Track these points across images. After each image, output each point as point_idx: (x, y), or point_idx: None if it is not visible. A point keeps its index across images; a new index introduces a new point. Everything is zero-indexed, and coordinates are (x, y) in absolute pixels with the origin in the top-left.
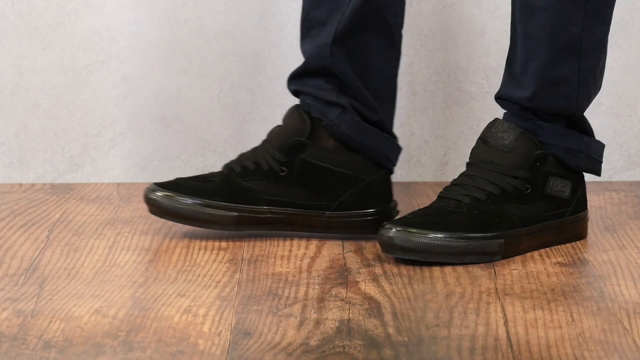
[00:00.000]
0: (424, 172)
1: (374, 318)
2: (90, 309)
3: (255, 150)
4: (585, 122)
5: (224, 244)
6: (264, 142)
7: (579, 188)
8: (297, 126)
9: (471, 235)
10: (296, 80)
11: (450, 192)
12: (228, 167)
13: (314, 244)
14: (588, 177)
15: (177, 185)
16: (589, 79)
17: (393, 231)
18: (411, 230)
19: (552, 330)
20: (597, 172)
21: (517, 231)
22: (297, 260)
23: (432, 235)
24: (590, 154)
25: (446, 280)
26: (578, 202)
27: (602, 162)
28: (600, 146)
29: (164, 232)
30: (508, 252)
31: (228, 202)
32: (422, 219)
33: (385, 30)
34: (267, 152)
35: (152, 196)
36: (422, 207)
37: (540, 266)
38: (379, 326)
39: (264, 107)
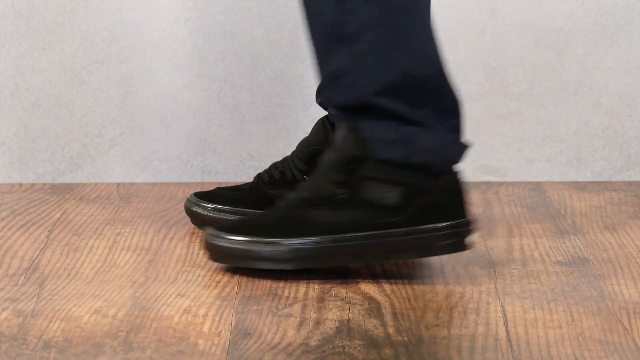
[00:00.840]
0: None
1: (374, 318)
2: (90, 309)
3: (283, 159)
4: (414, 112)
5: None
6: (292, 152)
7: (419, 195)
8: (318, 136)
9: (270, 240)
10: (321, 93)
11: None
12: (258, 175)
13: None
14: (587, 176)
15: (211, 195)
16: (370, 62)
17: (206, 234)
18: (217, 234)
19: (552, 330)
20: (429, 169)
21: (323, 238)
22: None
23: (233, 238)
24: (414, 145)
25: (446, 280)
26: (422, 211)
27: (443, 159)
28: (443, 141)
29: (164, 232)
30: (310, 261)
31: (255, 209)
32: (237, 221)
33: None
34: (292, 161)
35: (189, 206)
36: None
37: (540, 265)
38: (379, 326)
39: (264, 107)
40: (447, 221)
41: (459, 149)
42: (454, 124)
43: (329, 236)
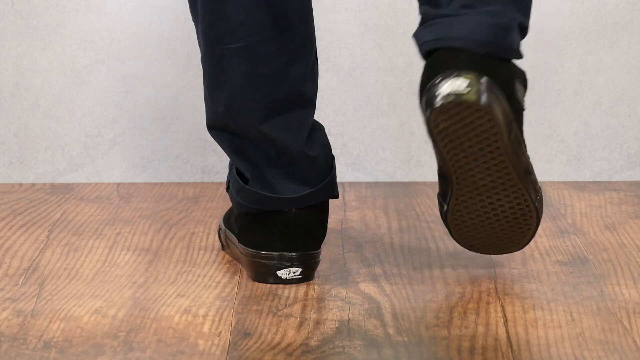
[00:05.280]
0: (424, 172)
1: (374, 318)
2: (90, 309)
3: None
4: (233, 152)
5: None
6: None
7: (252, 222)
8: None
9: None
10: None
11: None
12: None
13: None
14: (587, 176)
15: None
16: (205, 95)
17: None
18: None
19: (552, 330)
20: (236, 209)
21: None
22: None
23: None
24: (229, 179)
25: (446, 280)
26: (247, 232)
27: (247, 204)
28: (259, 186)
29: (164, 232)
30: None
31: None
32: None
33: None
34: None
35: None
36: (421, 206)
37: (540, 265)
38: (379, 326)
39: None
40: (255, 249)
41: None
42: (290, 171)
43: None
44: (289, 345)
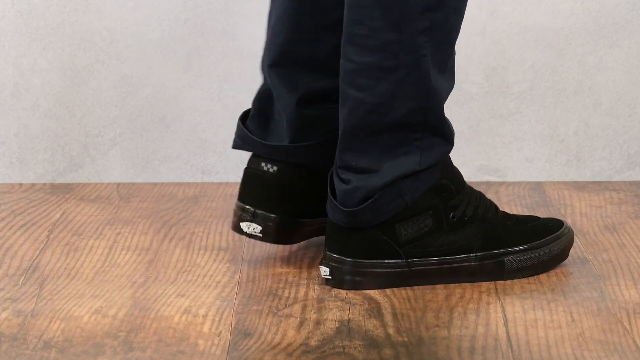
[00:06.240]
0: None
1: (374, 318)
2: (90, 309)
3: None
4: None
5: (224, 244)
6: None
7: None
8: None
9: None
10: None
11: None
12: None
13: (314, 244)
14: (587, 176)
15: None
16: None
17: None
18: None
19: (552, 330)
20: None
21: None
22: (297, 260)
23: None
24: None
25: None
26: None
27: None
28: None
29: (164, 232)
30: None
31: None
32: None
33: None
34: None
35: None
36: None
37: None
38: (379, 326)
39: None
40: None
41: None
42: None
43: None
44: (289, 345)
